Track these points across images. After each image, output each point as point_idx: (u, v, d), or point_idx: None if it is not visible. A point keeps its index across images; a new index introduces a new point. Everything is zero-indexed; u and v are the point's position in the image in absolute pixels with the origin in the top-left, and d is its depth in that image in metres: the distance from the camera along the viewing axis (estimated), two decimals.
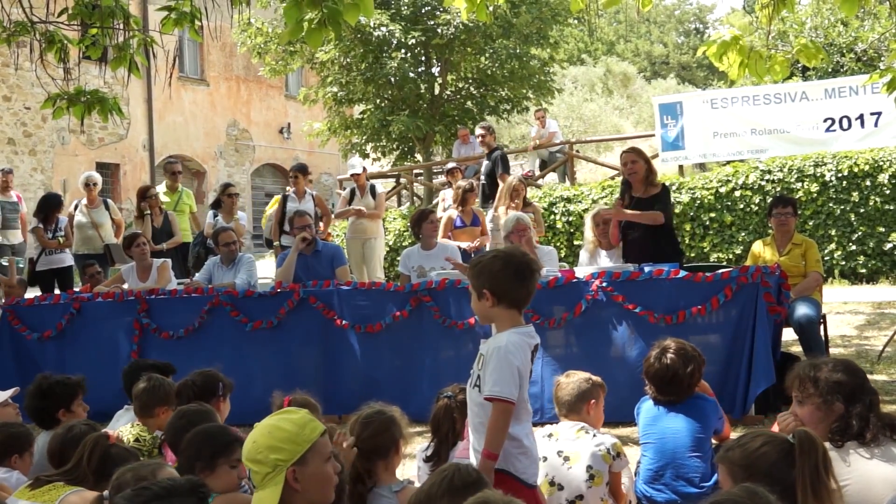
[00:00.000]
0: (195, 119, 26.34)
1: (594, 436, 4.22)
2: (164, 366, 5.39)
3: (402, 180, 19.37)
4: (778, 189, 12.94)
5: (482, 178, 11.69)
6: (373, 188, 11.03)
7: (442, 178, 17.27)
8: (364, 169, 11.12)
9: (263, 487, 2.83)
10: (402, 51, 19.42)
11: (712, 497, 2.39)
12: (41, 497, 3.42)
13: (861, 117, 13.77)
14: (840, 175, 12.86)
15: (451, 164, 13.00)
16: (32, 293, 8.94)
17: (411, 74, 20.16)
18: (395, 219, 15.90)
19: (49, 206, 10.99)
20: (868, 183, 12.75)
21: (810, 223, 12.93)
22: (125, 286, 8.41)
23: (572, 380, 4.51)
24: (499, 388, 3.32)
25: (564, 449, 4.16)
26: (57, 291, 10.39)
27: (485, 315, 3.53)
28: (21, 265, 10.34)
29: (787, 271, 6.75)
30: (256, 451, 2.85)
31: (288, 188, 11.18)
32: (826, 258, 12.60)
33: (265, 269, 14.16)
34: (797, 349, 7.16)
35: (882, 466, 3.15)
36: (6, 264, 9.85)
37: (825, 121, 13.99)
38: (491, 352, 3.41)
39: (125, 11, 7.27)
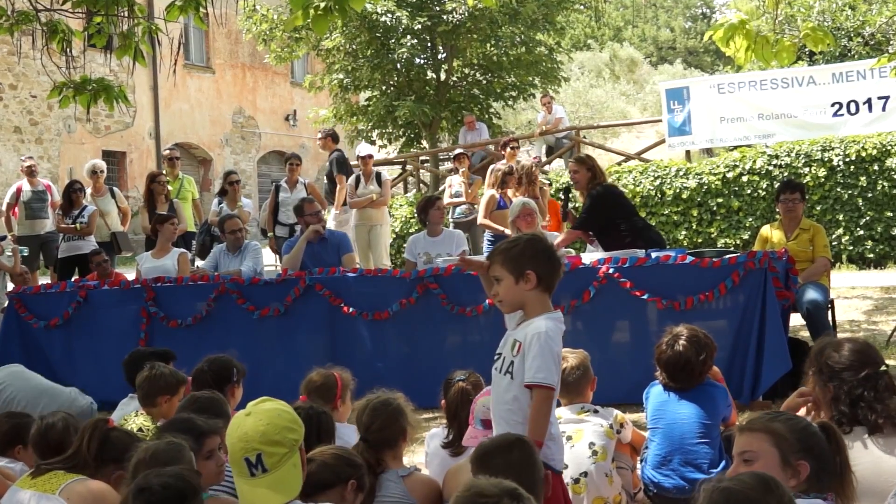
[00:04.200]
0: (201, 107, 26.32)
1: (595, 412, 4.33)
2: (164, 353, 5.36)
3: (409, 167, 19.32)
4: (785, 174, 12.89)
5: (325, 178, 12.04)
6: (378, 175, 11.02)
7: (448, 165, 17.23)
8: (369, 155, 11.07)
9: (277, 469, 2.80)
10: (409, 37, 19.34)
11: (724, 482, 2.31)
12: (43, 486, 3.41)
13: (869, 101, 13.69)
14: (848, 160, 12.80)
15: (457, 151, 12.98)
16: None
17: (417, 60, 20.08)
18: (401, 206, 15.86)
19: (67, 192, 10.88)
20: (876, 167, 12.68)
21: (818, 208, 12.88)
22: (139, 267, 8.45)
23: (574, 362, 4.48)
24: (542, 375, 3.28)
25: (567, 429, 4.18)
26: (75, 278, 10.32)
27: (518, 300, 3.43)
28: (24, 254, 10.30)
29: (795, 256, 6.72)
30: (275, 432, 2.80)
31: (283, 181, 11.14)
32: (834, 243, 12.55)
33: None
34: (805, 334, 7.15)
35: (885, 457, 3.05)
36: (10, 254, 9.83)
37: (833, 105, 13.92)
38: (531, 338, 3.33)
39: None
